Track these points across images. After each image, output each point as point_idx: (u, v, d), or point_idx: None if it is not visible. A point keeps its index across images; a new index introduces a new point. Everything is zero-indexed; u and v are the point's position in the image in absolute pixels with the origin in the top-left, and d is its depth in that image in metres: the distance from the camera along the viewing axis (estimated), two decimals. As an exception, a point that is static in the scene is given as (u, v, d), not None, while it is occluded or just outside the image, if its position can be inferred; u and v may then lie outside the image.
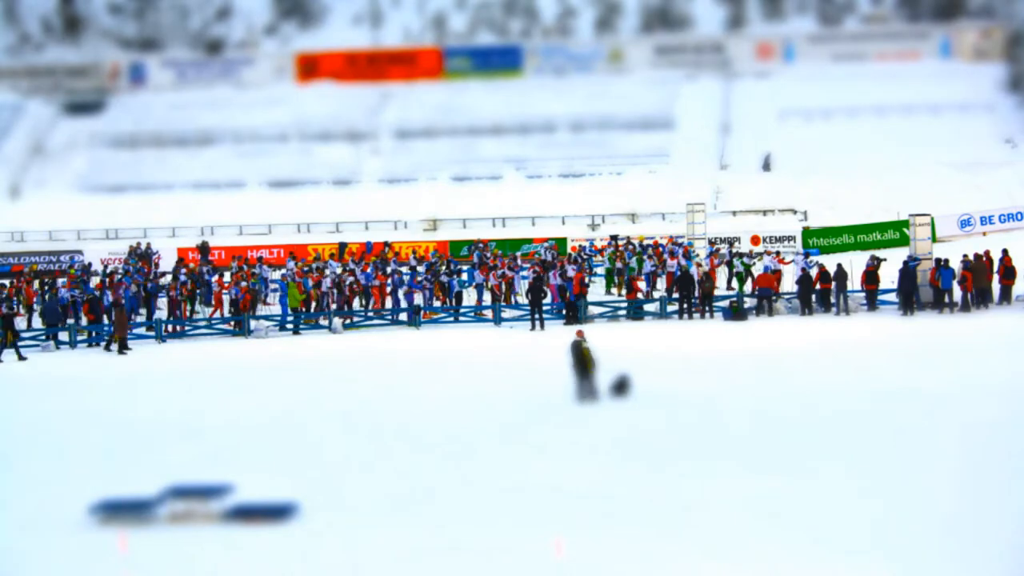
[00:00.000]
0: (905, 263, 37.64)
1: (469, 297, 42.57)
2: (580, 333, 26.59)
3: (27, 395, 30.54)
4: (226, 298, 41.49)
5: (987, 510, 17.72)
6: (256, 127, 71.86)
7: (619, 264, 43.59)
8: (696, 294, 38.73)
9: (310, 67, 77.30)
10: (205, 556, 16.85)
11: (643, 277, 42.62)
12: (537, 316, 37.61)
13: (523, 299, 40.79)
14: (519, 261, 44.58)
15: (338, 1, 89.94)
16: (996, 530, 16.84)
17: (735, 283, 43.16)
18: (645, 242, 47.91)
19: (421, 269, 43.04)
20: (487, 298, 41.67)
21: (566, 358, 26.23)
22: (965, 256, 37.94)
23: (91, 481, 20.40)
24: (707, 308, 38.57)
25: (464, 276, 43.94)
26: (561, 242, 52.83)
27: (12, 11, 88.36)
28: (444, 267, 43.79)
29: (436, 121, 71.16)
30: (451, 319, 39.86)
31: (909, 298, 37.08)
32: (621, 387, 25.85)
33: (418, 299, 40.54)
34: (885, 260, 40.23)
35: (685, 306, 38.41)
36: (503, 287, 41.53)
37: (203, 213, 61.86)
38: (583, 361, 25.73)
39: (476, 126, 70.33)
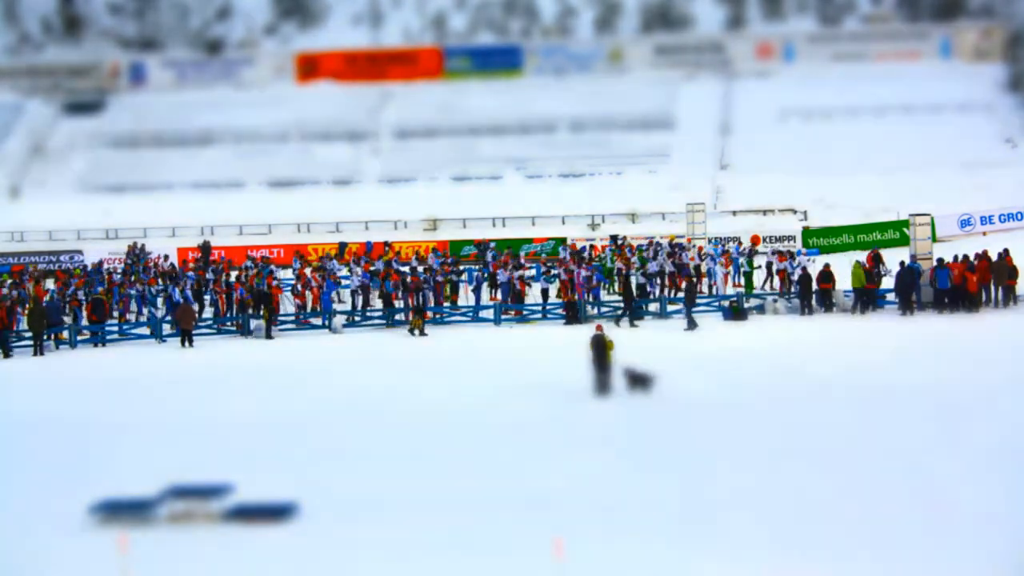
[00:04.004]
0: (901, 264, 37.65)
1: (467, 297, 42.52)
2: (600, 327, 26.85)
3: (27, 395, 30.52)
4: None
5: (992, 510, 17.75)
6: (256, 127, 71.85)
7: (620, 264, 43.61)
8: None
9: (310, 67, 77.35)
10: (205, 556, 16.85)
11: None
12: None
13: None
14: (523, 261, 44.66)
15: (338, 1, 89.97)
16: (1001, 529, 16.86)
17: (740, 281, 43.10)
18: (641, 242, 47.98)
19: (421, 269, 43.03)
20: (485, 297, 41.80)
21: (587, 351, 26.50)
22: (965, 257, 37.85)
23: (91, 481, 20.40)
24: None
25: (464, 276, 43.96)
26: (560, 242, 52.82)
27: (12, 11, 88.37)
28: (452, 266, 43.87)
29: (436, 121, 71.17)
30: (468, 319, 39.80)
31: (907, 298, 37.07)
32: (643, 382, 25.91)
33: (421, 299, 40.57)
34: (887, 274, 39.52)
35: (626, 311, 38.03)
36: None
37: (203, 213, 61.85)
38: (603, 355, 25.93)
39: (476, 126, 70.35)
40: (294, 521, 18.05)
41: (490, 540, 17.10)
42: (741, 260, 43.08)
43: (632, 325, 36.72)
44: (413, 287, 40.29)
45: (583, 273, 40.34)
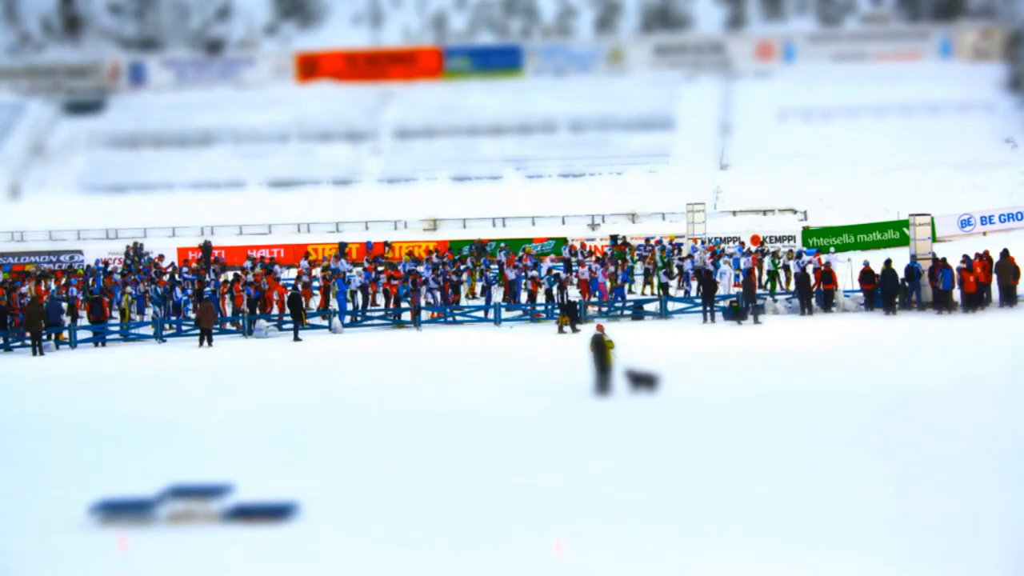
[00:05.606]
0: (887, 262, 37.76)
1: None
2: (600, 327, 26.89)
3: (28, 395, 30.52)
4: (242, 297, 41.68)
5: (984, 510, 17.75)
6: (256, 127, 71.82)
7: (648, 265, 43.92)
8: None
9: (310, 67, 77.29)
10: (205, 556, 16.85)
11: (684, 276, 42.90)
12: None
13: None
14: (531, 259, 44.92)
15: (338, 1, 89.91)
16: (993, 529, 16.86)
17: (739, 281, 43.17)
18: (675, 241, 48.34)
19: (422, 269, 43.12)
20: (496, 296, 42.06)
21: (587, 352, 26.52)
22: (965, 256, 37.87)
23: (91, 481, 20.40)
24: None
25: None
26: (561, 242, 52.88)
27: (12, 11, 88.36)
28: (453, 266, 43.99)
29: (436, 121, 71.15)
30: (469, 318, 39.87)
31: (891, 298, 37.21)
32: (648, 382, 25.87)
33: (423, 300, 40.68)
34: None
35: (708, 308, 38.01)
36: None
37: (203, 213, 61.89)
38: (603, 355, 25.93)
39: (476, 126, 70.31)
40: (294, 521, 18.05)
41: (490, 540, 17.10)
42: (766, 260, 43.20)
43: (756, 321, 36.81)
44: (420, 285, 40.50)
45: (613, 271, 40.77)
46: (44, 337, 37.35)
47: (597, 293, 41.55)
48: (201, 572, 16.40)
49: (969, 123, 65.32)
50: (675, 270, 44.72)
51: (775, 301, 39.07)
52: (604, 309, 39.79)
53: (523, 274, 42.34)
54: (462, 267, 44.71)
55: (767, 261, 43.26)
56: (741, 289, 38.79)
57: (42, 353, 36.47)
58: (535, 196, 61.83)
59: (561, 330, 36.81)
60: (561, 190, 62.93)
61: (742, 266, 42.75)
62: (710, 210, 54.60)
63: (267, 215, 61.64)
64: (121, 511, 18.31)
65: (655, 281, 43.47)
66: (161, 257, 51.42)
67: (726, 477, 19.77)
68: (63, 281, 44.79)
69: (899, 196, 56.12)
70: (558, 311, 37.87)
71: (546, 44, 79.44)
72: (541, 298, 41.43)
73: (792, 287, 41.61)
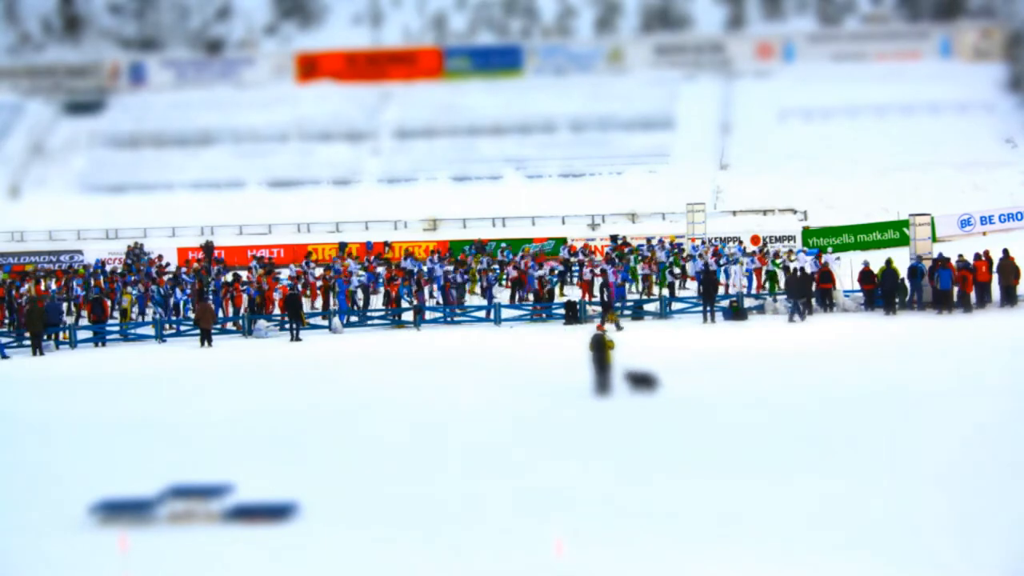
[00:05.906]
0: (887, 261, 37.77)
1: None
2: (601, 327, 26.94)
3: (27, 395, 30.52)
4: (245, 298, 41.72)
5: (984, 510, 17.74)
6: (256, 127, 71.82)
7: (646, 267, 43.96)
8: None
9: (310, 67, 77.28)
10: (205, 556, 16.85)
11: (695, 276, 42.98)
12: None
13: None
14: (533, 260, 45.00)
15: (338, 1, 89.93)
16: (992, 529, 16.85)
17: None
18: (677, 241, 48.34)
19: (426, 268, 43.11)
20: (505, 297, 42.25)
21: (587, 351, 26.53)
22: (961, 256, 37.92)
23: (91, 481, 20.40)
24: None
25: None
26: (560, 242, 52.88)
27: (12, 11, 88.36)
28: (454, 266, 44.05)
29: (436, 121, 71.15)
30: (469, 318, 39.93)
31: (891, 298, 37.23)
32: (647, 383, 25.88)
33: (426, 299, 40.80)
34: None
35: (708, 308, 38.07)
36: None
37: (203, 213, 61.90)
38: (603, 355, 25.94)
39: (476, 126, 70.31)
40: (294, 521, 18.05)
41: (490, 540, 17.09)
42: (767, 260, 43.27)
43: (802, 319, 36.88)
44: (424, 285, 40.57)
45: (617, 272, 40.82)
46: (44, 337, 37.34)
47: (605, 292, 41.50)
48: (201, 572, 16.40)
49: (969, 123, 65.34)
50: (678, 270, 44.71)
51: (775, 301, 39.06)
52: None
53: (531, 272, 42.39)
54: (473, 266, 44.70)
55: (769, 262, 43.23)
56: (788, 289, 38.74)
57: (42, 353, 36.47)
58: (535, 196, 61.85)
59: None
60: (561, 190, 62.94)
61: (744, 266, 42.93)
62: (710, 210, 54.62)
63: (267, 215, 61.65)
64: (121, 511, 18.31)
65: (655, 280, 43.46)
66: (160, 257, 51.42)
67: (726, 477, 19.77)
68: (63, 281, 44.77)
69: (899, 196, 56.13)
70: (600, 310, 37.96)
71: (546, 44, 79.45)
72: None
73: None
